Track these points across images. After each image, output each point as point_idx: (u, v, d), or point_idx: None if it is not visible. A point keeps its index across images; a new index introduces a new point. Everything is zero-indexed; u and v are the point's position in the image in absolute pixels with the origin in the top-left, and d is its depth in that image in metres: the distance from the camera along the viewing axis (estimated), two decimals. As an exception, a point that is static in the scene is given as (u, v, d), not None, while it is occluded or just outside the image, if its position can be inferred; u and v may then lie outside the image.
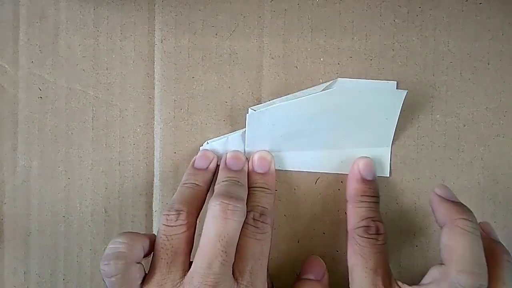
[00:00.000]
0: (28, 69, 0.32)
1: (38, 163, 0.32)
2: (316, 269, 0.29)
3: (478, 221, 0.25)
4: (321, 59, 0.31)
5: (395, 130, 0.30)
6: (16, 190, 0.32)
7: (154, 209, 0.32)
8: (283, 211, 0.31)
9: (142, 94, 0.31)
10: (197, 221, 0.27)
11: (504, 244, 0.26)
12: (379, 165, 0.30)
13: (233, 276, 0.25)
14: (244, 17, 0.31)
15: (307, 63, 0.31)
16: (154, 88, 0.31)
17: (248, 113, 0.29)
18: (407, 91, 0.28)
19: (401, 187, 0.31)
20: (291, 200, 0.31)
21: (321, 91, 0.29)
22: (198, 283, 0.24)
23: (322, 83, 0.31)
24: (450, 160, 0.31)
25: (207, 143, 0.31)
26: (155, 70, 0.31)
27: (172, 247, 0.25)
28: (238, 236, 0.25)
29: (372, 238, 0.26)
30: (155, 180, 0.32)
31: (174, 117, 0.31)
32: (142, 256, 0.26)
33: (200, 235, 0.26)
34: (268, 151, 0.30)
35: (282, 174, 0.31)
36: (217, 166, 0.30)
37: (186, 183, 0.29)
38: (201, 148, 0.31)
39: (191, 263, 0.25)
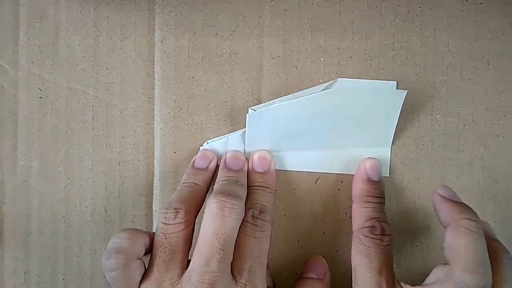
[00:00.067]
0: (28, 69, 0.32)
1: (38, 163, 0.32)
2: (318, 268, 0.29)
3: (478, 221, 0.25)
4: (321, 59, 0.31)
5: (395, 130, 0.30)
6: (16, 190, 0.32)
7: (154, 209, 0.32)
8: (283, 211, 0.31)
9: (142, 94, 0.31)
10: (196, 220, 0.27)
11: (504, 244, 0.26)
12: (379, 165, 0.30)
13: (232, 274, 0.25)
14: (244, 17, 0.31)
15: (307, 63, 0.31)
16: (154, 88, 0.31)
17: (248, 113, 0.29)
18: (407, 91, 0.28)
19: (401, 187, 0.31)
20: (291, 200, 0.31)
21: (321, 91, 0.29)
22: (196, 281, 0.24)
23: (322, 83, 0.31)
24: (450, 160, 0.31)
25: (207, 143, 0.31)
26: (155, 70, 0.31)
27: (170, 245, 0.25)
28: (236, 234, 0.25)
29: (377, 239, 0.26)
30: (155, 180, 0.32)
31: (174, 117, 0.31)
32: (143, 252, 0.26)
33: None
34: (268, 151, 0.30)
35: (282, 174, 0.31)
36: (217, 166, 0.30)
37: (185, 183, 0.29)
38: (201, 148, 0.31)
39: (189, 261, 0.25)
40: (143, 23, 0.31)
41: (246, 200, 0.27)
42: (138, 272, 0.25)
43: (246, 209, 0.27)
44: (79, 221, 0.32)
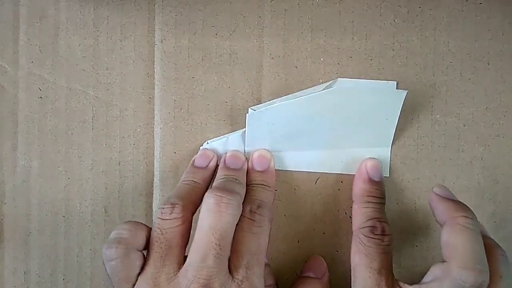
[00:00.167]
0: (28, 69, 0.32)
1: (38, 163, 0.32)
2: (317, 267, 0.29)
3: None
4: (321, 59, 0.31)
5: (395, 130, 0.30)
6: (16, 190, 0.32)
7: (154, 209, 0.32)
8: (283, 211, 0.31)
9: (142, 94, 0.31)
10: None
11: (504, 244, 0.26)
12: (379, 165, 0.30)
13: (229, 270, 0.25)
14: (244, 17, 0.31)
15: (307, 63, 0.31)
16: (154, 88, 0.31)
17: (248, 113, 0.29)
18: (407, 91, 0.28)
19: (401, 187, 0.31)
20: (291, 200, 0.31)
21: (321, 91, 0.29)
22: (192, 277, 0.24)
23: (322, 83, 0.31)
24: (450, 160, 0.31)
25: (207, 143, 0.31)
26: (155, 70, 0.31)
27: (166, 240, 0.25)
28: (233, 229, 0.25)
29: (377, 239, 0.26)
30: (155, 180, 0.32)
31: (174, 117, 0.31)
32: (144, 244, 0.26)
33: None
34: (267, 150, 0.30)
35: (282, 174, 0.31)
36: (217, 165, 0.30)
37: (184, 181, 0.29)
38: (201, 148, 0.31)
39: (186, 257, 0.25)
40: (143, 23, 0.31)
41: (245, 198, 0.27)
42: (137, 263, 0.25)
43: (244, 205, 0.27)
44: (79, 221, 0.32)
